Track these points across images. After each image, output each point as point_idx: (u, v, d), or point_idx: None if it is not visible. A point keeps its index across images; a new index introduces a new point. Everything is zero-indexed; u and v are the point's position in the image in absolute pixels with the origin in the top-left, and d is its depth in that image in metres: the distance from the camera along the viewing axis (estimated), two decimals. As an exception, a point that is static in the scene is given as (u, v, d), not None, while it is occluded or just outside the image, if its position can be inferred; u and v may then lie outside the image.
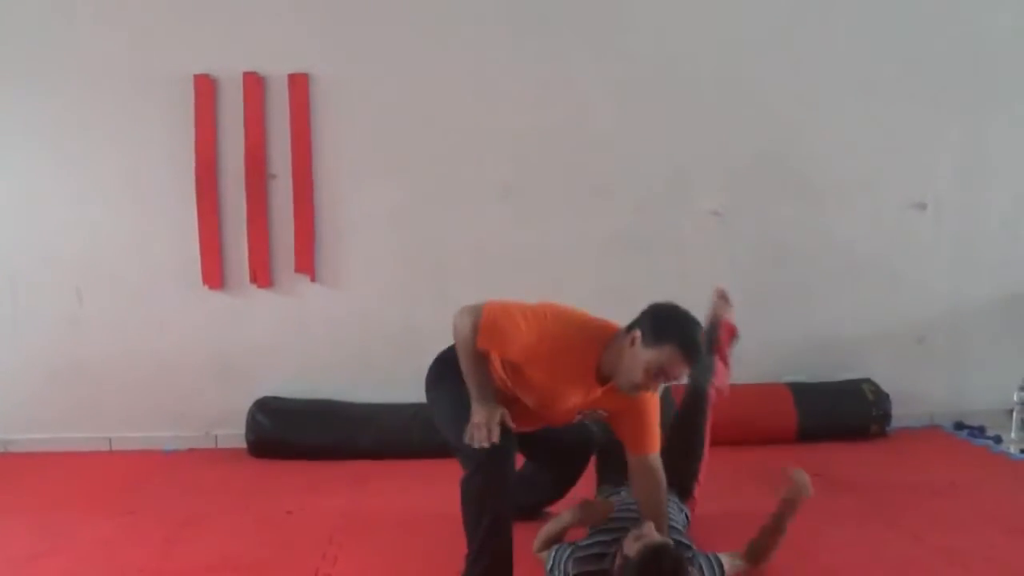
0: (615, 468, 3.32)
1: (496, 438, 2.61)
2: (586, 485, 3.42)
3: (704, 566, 2.73)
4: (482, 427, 2.62)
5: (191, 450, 4.57)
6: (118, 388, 4.56)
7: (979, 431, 4.66)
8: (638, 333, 2.57)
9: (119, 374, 4.55)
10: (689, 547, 2.79)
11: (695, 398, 3.48)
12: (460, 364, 2.76)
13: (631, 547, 2.55)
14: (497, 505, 2.68)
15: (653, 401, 2.82)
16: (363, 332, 4.65)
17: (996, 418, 4.65)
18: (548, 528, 2.92)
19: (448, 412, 2.88)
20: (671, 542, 2.61)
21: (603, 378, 2.69)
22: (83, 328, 4.56)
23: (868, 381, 4.66)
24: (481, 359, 2.75)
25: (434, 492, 3.81)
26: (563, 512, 2.93)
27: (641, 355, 2.55)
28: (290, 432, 4.39)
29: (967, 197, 4.83)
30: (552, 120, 4.63)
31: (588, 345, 2.68)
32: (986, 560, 2.97)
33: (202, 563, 3.06)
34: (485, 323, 2.68)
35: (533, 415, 2.84)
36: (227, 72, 4.48)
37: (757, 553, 2.87)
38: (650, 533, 2.58)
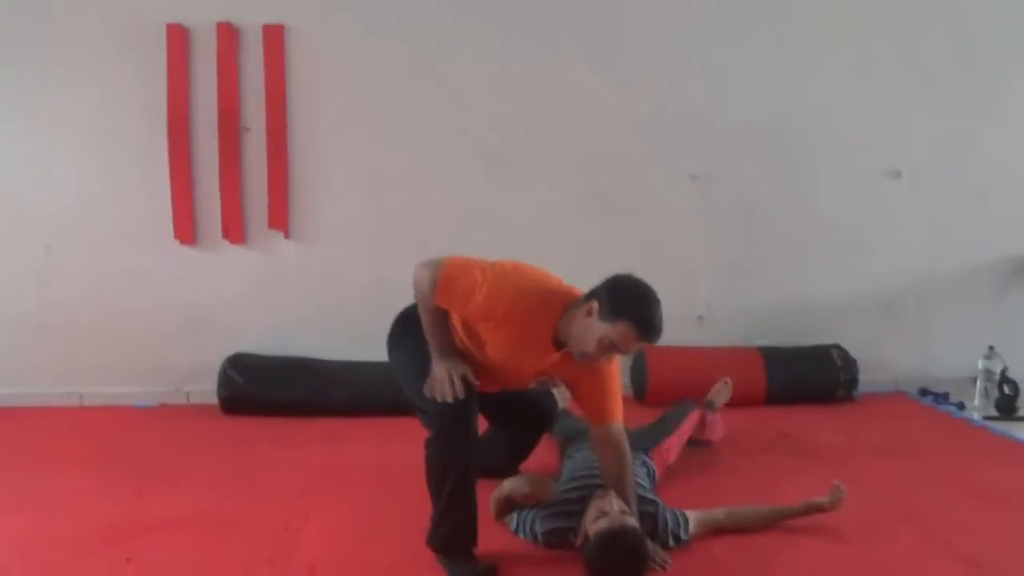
0: (571, 435, 3.43)
1: (461, 393, 2.59)
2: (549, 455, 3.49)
3: (670, 521, 2.77)
4: (444, 381, 2.61)
5: (162, 406, 4.55)
6: (88, 343, 4.52)
7: (943, 397, 4.74)
8: (595, 304, 2.51)
9: (89, 329, 4.51)
10: (655, 503, 2.83)
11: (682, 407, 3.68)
12: (421, 319, 2.73)
13: (591, 525, 2.58)
14: (460, 469, 2.66)
15: (612, 369, 2.77)
16: (337, 289, 4.63)
17: (960, 385, 4.73)
18: (497, 494, 2.91)
19: (409, 370, 2.86)
20: (630, 523, 2.59)
21: (559, 343, 2.63)
22: (51, 282, 4.50)
23: (837, 347, 4.73)
24: (441, 313, 2.70)
25: (407, 448, 3.80)
26: (511, 480, 2.90)
27: (596, 327, 2.50)
28: (263, 388, 4.38)
29: (941, 167, 4.88)
30: (533, 82, 4.60)
31: (546, 309, 2.61)
32: (947, 522, 3.03)
33: (173, 517, 3.05)
34: (443, 279, 2.61)
35: (489, 376, 2.78)
36: (200, 22, 4.41)
37: (745, 526, 2.93)
38: (611, 510, 2.58)
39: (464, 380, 2.63)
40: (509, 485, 2.87)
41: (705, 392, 3.96)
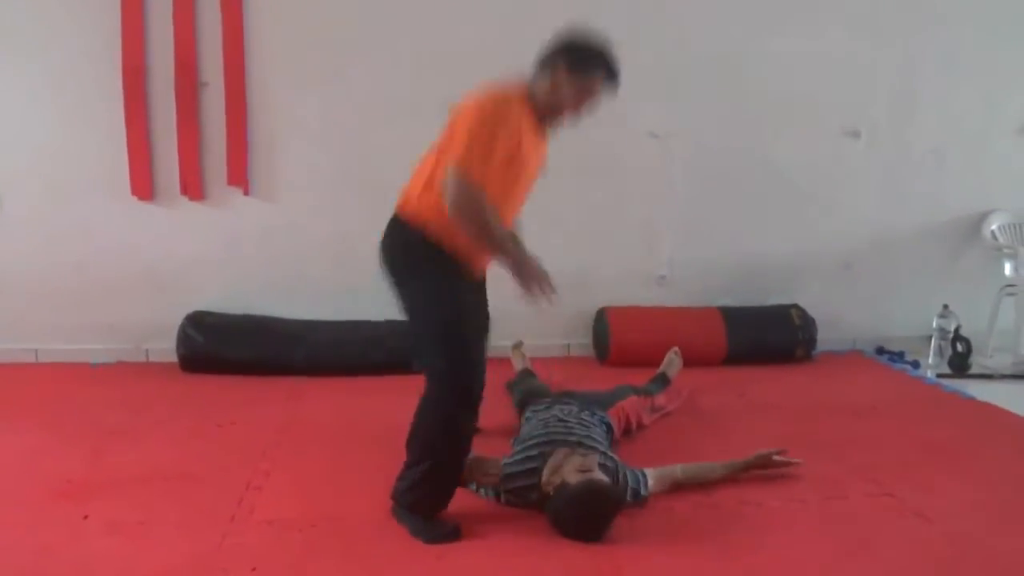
0: (529, 396, 3.46)
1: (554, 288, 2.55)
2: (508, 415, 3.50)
3: (629, 478, 2.81)
4: (544, 276, 2.55)
5: (120, 363, 4.51)
6: (44, 299, 4.45)
7: (899, 356, 4.84)
8: (562, 66, 2.59)
9: (44, 284, 4.44)
10: (614, 459, 2.87)
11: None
12: (481, 231, 2.50)
13: (572, 475, 2.61)
14: (463, 443, 2.66)
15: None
16: (297, 247, 4.59)
17: (915, 344, 4.82)
18: (469, 467, 2.85)
19: (445, 315, 2.62)
20: (611, 484, 2.67)
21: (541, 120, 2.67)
22: (5, 237, 4.41)
23: (795, 306, 4.78)
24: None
25: (368, 408, 3.86)
26: (485, 462, 2.87)
27: (569, 87, 2.60)
28: (223, 347, 4.35)
29: (898, 126, 4.92)
30: (492, 35, 4.54)
31: (523, 100, 2.63)
32: (898, 477, 3.10)
33: (131, 474, 3.04)
34: (478, 176, 2.47)
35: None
36: (156, -28, 4.30)
37: (702, 480, 2.99)
38: (594, 468, 2.65)
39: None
40: (474, 468, 2.85)
41: (662, 357, 4.01)
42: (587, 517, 2.57)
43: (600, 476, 2.65)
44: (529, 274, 2.54)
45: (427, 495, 2.65)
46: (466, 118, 2.53)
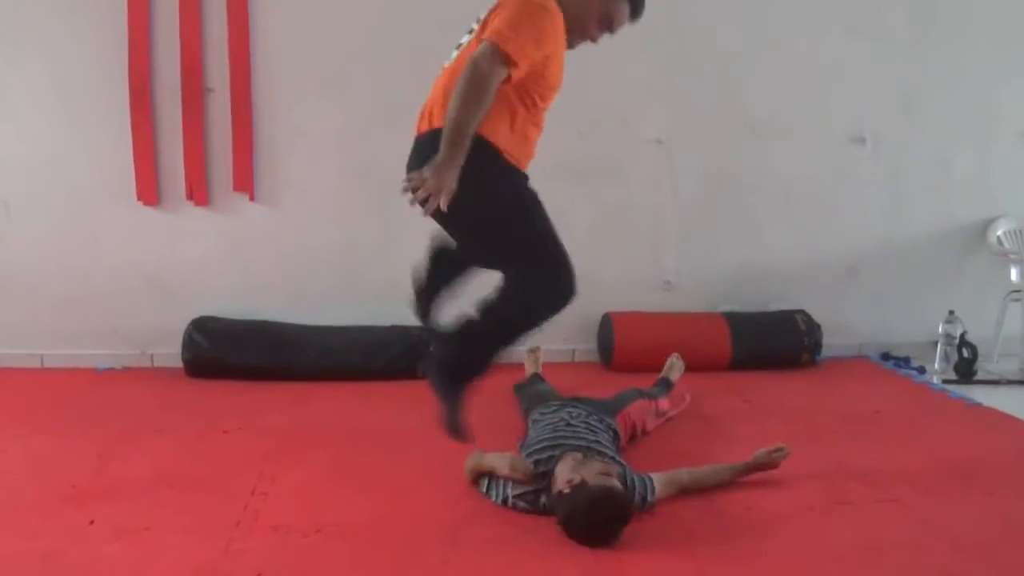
0: (536, 400, 3.45)
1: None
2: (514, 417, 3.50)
3: (637, 484, 2.81)
4: (445, 194, 2.41)
5: (126, 369, 4.51)
6: (49, 304, 4.46)
7: (904, 362, 4.83)
8: None
9: (50, 290, 4.45)
10: (622, 465, 2.86)
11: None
12: (455, 118, 2.40)
13: (593, 477, 2.61)
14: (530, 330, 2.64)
15: None
16: (303, 252, 4.60)
17: (921, 350, 4.82)
18: (475, 464, 2.93)
19: (523, 219, 2.61)
20: (628, 494, 2.70)
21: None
22: (11, 242, 4.43)
23: (801, 312, 4.77)
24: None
25: (374, 413, 3.86)
26: (494, 456, 2.91)
27: (594, 5, 2.66)
28: (228, 352, 4.35)
29: (904, 133, 4.90)
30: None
31: (558, 7, 2.60)
32: (905, 483, 3.09)
33: (137, 480, 3.04)
34: (515, 54, 2.42)
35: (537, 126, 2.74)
36: (162, -22, 4.31)
37: (706, 484, 2.99)
38: (615, 476, 2.67)
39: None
40: (491, 461, 2.88)
41: (669, 354, 4.03)
42: (602, 521, 2.57)
43: (618, 485, 2.66)
44: (441, 180, 2.40)
45: (480, 367, 2.64)
46: (509, 8, 2.49)
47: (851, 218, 4.94)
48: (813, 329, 4.71)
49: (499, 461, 2.86)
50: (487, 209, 2.59)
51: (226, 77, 4.40)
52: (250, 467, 3.16)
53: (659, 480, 2.88)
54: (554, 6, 2.57)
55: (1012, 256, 4.84)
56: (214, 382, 4.25)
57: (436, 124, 2.57)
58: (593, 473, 2.63)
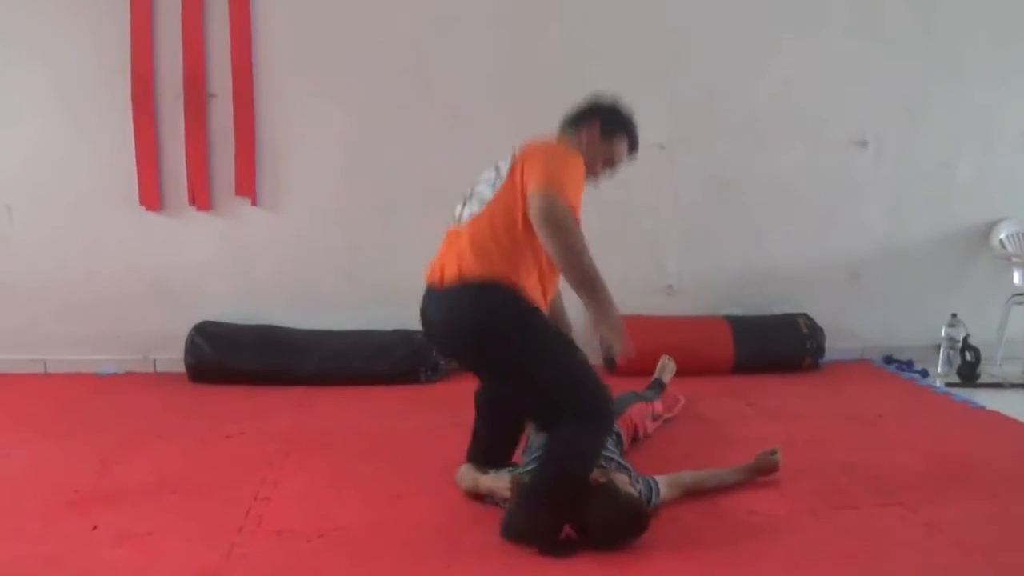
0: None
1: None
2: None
3: (642, 487, 2.80)
4: (624, 334, 2.57)
5: (128, 374, 4.51)
6: (52, 309, 4.47)
7: (907, 365, 4.82)
8: (596, 126, 2.78)
9: (53, 295, 4.46)
10: (627, 469, 2.86)
11: None
12: (575, 253, 2.47)
13: (623, 484, 2.64)
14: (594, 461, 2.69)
15: None
16: (305, 257, 4.60)
17: (924, 353, 4.81)
18: (472, 485, 2.89)
19: (565, 357, 2.65)
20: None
21: None
22: (14, 247, 4.43)
23: (803, 315, 4.77)
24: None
25: (376, 418, 3.86)
26: (491, 478, 2.86)
27: (599, 148, 2.77)
28: (230, 357, 4.35)
29: (906, 136, 4.91)
30: (500, 47, 4.56)
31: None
32: (909, 487, 3.09)
33: (139, 484, 3.04)
34: (566, 195, 2.49)
35: None
36: (164, -16, 4.32)
37: (704, 489, 2.98)
38: (634, 488, 2.71)
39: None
40: (489, 484, 2.84)
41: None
42: (624, 529, 2.57)
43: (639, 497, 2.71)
44: (615, 324, 2.53)
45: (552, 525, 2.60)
46: (547, 159, 2.57)
47: (853, 221, 4.93)
48: (816, 332, 4.71)
49: (499, 483, 2.80)
50: (521, 347, 2.61)
51: (228, 82, 4.41)
52: (252, 472, 3.15)
53: (664, 483, 2.88)
54: (579, 156, 2.69)
55: (1015, 259, 4.83)
56: (216, 387, 4.25)
57: (467, 277, 2.60)
58: (623, 481, 2.67)
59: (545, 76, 4.58)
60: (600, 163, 2.78)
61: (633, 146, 2.86)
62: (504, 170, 2.69)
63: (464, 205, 2.76)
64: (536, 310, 2.63)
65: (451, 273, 2.64)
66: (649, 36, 4.64)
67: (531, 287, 2.62)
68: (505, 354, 2.60)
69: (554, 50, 4.59)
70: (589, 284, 2.50)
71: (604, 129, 2.78)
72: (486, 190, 2.70)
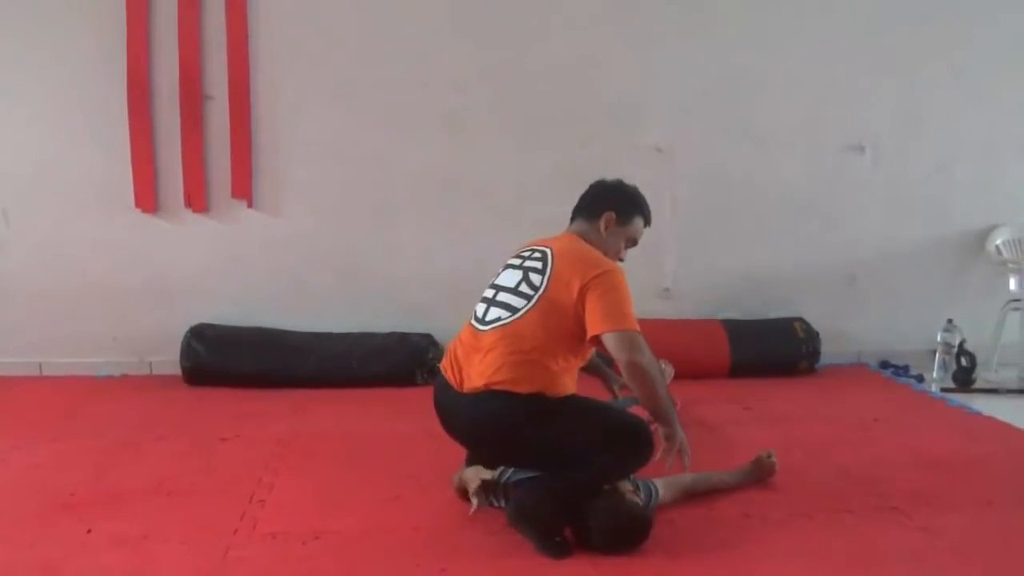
0: None
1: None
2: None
3: (643, 494, 2.80)
4: (685, 449, 2.70)
5: (125, 376, 4.51)
6: (48, 312, 4.46)
7: (903, 370, 4.82)
8: (612, 216, 2.90)
9: (49, 298, 4.45)
10: (631, 477, 2.85)
11: None
12: (658, 390, 2.64)
13: (626, 491, 2.66)
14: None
15: None
16: (301, 260, 4.60)
17: (920, 358, 4.81)
18: (460, 482, 2.89)
19: (590, 413, 2.74)
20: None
21: None
22: (10, 249, 4.43)
23: (800, 319, 4.77)
24: None
25: (373, 420, 3.86)
26: (478, 469, 2.85)
27: (618, 234, 2.91)
28: (226, 360, 4.35)
29: (903, 141, 4.91)
30: (498, 50, 4.57)
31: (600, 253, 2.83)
32: (905, 492, 3.08)
33: (135, 487, 3.03)
34: (633, 331, 2.62)
35: None
36: (161, -15, 4.32)
37: (697, 493, 2.99)
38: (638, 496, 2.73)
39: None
40: (469, 475, 2.84)
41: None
42: (628, 537, 2.58)
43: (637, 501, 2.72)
44: (680, 441, 2.67)
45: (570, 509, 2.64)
46: (608, 290, 2.64)
47: (850, 226, 4.94)
48: (812, 337, 4.71)
49: (471, 474, 2.84)
50: (560, 440, 2.68)
51: (225, 84, 4.41)
52: (248, 475, 3.15)
53: (662, 485, 2.88)
54: (618, 269, 2.77)
55: (1011, 265, 4.83)
56: (213, 389, 4.25)
57: (498, 387, 2.64)
58: (626, 489, 2.68)
59: (543, 78, 4.60)
60: (623, 246, 2.95)
61: (647, 222, 3.02)
62: (537, 281, 2.73)
63: (488, 307, 2.78)
64: (566, 398, 2.71)
65: (474, 384, 2.69)
66: (647, 39, 4.64)
67: (564, 387, 2.71)
68: (536, 447, 2.69)
69: (552, 52, 4.60)
70: (664, 412, 2.68)
71: (620, 218, 2.91)
72: (515, 300, 2.73)
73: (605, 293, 2.63)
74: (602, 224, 2.89)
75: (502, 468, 2.82)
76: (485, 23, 4.54)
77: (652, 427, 2.71)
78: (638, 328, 2.62)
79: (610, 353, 2.62)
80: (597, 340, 2.62)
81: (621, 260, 2.92)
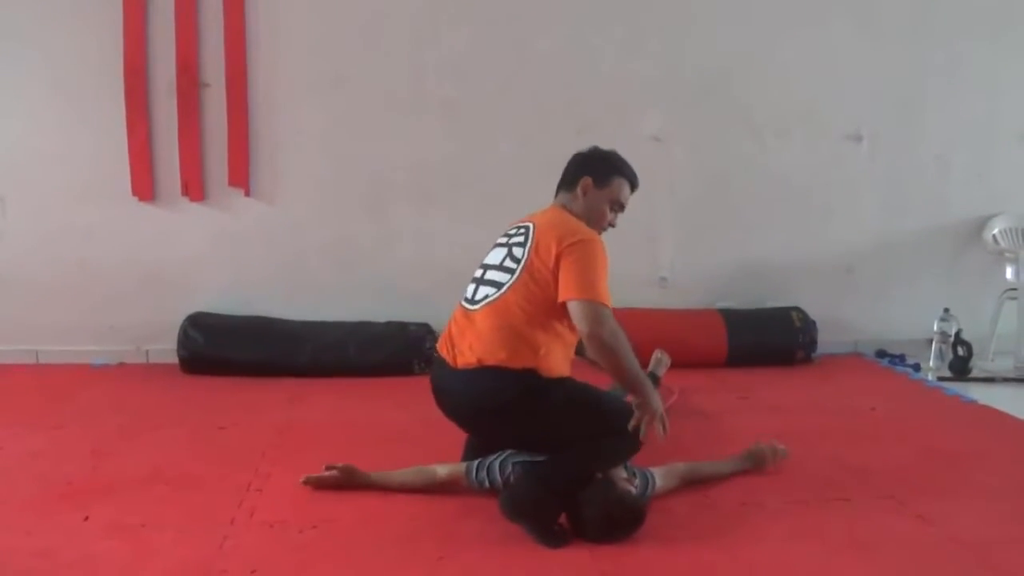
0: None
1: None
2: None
3: (639, 482, 2.81)
4: (663, 418, 2.66)
5: (121, 364, 4.51)
6: (45, 300, 4.46)
7: (900, 359, 4.83)
8: (589, 181, 2.84)
9: (46, 286, 4.45)
10: (626, 465, 2.86)
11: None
12: (623, 362, 2.60)
13: (620, 479, 2.65)
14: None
15: None
16: (298, 248, 4.60)
17: (916, 347, 4.82)
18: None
19: (582, 397, 2.75)
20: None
21: None
22: (6, 238, 4.43)
23: (796, 309, 4.78)
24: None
25: (369, 409, 3.86)
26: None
27: (599, 197, 2.85)
28: (224, 348, 4.35)
29: (901, 131, 4.91)
30: (496, 38, 4.56)
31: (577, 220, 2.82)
32: (900, 480, 3.09)
33: (132, 476, 3.03)
34: (604, 298, 2.62)
35: None
36: (157, -27, 4.30)
37: (699, 479, 3.00)
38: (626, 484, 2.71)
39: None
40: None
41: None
42: (621, 525, 2.58)
43: (632, 489, 2.71)
44: (655, 411, 2.63)
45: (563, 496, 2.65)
46: (579, 257, 2.63)
47: (847, 216, 4.94)
48: (809, 326, 4.72)
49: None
50: (558, 421, 2.70)
51: (222, 72, 4.40)
52: (245, 463, 3.15)
53: (659, 474, 2.89)
54: (597, 234, 2.77)
55: (1008, 255, 4.84)
56: (209, 378, 4.25)
57: (488, 361, 2.65)
58: (620, 478, 2.68)
59: (540, 69, 4.59)
60: (606, 210, 2.86)
61: (631, 182, 2.93)
62: (519, 254, 2.73)
63: (477, 287, 2.79)
64: (560, 380, 2.71)
65: (467, 360, 2.69)
66: (644, 30, 4.64)
67: (556, 363, 2.70)
68: (528, 426, 2.71)
69: (549, 43, 4.59)
70: (634, 383, 2.63)
71: (596, 181, 2.85)
72: (500, 276, 2.74)
73: (577, 260, 2.63)
74: (579, 191, 2.86)
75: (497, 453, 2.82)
76: (483, 11, 4.52)
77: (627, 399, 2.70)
78: (607, 301, 2.60)
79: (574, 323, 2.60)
80: (566, 308, 2.62)
81: (612, 226, 2.91)
